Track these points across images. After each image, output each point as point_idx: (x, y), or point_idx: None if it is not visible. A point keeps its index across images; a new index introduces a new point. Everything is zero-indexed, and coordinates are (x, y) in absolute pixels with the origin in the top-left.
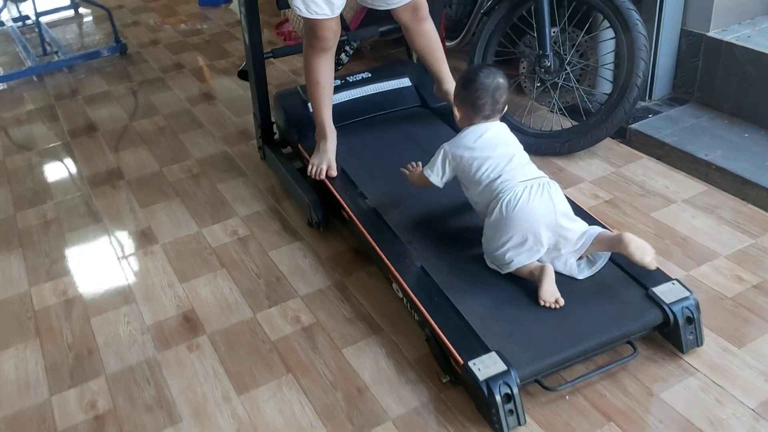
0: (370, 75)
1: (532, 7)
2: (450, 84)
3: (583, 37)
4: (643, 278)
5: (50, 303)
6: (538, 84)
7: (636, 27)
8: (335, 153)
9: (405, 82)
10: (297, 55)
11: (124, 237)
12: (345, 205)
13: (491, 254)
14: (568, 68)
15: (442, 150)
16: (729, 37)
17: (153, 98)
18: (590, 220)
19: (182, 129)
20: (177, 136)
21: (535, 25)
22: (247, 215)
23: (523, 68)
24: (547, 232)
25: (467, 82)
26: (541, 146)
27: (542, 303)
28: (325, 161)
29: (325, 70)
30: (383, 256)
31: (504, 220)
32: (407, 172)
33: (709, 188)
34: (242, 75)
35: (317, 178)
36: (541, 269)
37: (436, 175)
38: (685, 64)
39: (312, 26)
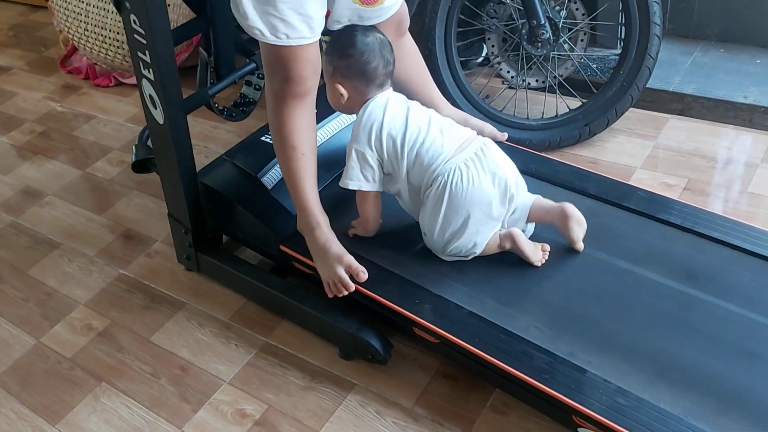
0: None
1: None
2: (448, 109)
3: None
4: None
5: None
6: (524, 61)
7: None
8: (339, 241)
9: None
10: None
11: None
12: (426, 323)
13: (448, 246)
14: (563, 35)
15: (353, 152)
16: None
17: None
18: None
19: (28, 259)
20: (25, 274)
21: None
22: (236, 374)
23: (492, 46)
24: (500, 203)
25: (345, 49)
26: (555, 139)
27: (538, 264)
28: (337, 265)
29: (303, 127)
30: (557, 395)
31: (456, 203)
32: (353, 229)
33: None
34: (140, 166)
35: (344, 294)
36: (510, 238)
37: (365, 180)
38: None
39: (280, 59)
